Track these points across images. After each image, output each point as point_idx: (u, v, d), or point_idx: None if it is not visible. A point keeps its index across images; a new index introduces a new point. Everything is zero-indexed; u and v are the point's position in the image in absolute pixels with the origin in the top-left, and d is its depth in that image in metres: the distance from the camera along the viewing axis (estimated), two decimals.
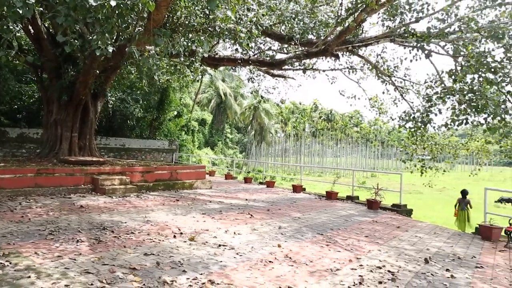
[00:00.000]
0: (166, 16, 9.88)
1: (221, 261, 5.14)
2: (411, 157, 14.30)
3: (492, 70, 8.74)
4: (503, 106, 8.65)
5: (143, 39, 7.99)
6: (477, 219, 9.93)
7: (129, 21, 8.78)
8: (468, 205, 10.80)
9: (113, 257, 4.96)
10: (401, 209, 11.11)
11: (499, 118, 8.52)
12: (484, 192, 8.90)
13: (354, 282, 4.68)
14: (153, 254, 5.21)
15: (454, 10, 11.00)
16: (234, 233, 6.94)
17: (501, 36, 8.92)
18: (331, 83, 15.31)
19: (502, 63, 8.89)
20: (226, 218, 8.32)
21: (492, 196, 26.09)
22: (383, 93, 13.30)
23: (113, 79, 15.48)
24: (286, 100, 18.28)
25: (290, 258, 5.57)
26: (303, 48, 12.01)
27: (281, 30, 12.69)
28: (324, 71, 14.70)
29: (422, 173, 13.67)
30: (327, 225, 8.34)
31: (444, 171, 14.59)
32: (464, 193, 11.02)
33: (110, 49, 6.38)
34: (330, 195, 13.15)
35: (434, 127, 10.50)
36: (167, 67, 14.49)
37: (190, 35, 10.62)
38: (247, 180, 17.85)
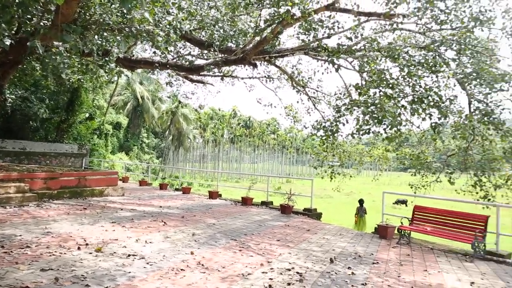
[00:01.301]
0: (77, 11, 9.23)
1: (129, 272, 4.92)
2: (322, 163, 15.24)
3: (390, 86, 9.74)
4: (398, 118, 9.69)
5: (50, 33, 7.35)
6: (378, 219, 10.94)
7: (33, 12, 8.03)
8: (365, 212, 12.21)
9: (0, 276, 4.44)
10: (311, 213, 11.74)
11: (395, 129, 9.51)
12: (382, 196, 9.85)
13: (264, 285, 4.83)
14: (51, 269, 4.78)
15: (360, 30, 12.06)
16: (146, 241, 6.69)
17: (396, 56, 10.01)
18: (249, 90, 15.67)
19: (398, 80, 9.96)
20: (138, 227, 7.99)
21: (391, 199, 28.94)
22: (298, 102, 14.15)
23: (12, 74, 13.93)
24: (205, 105, 18.24)
25: (202, 265, 5.54)
26: (222, 55, 12.13)
27: (201, 36, 12.67)
28: (242, 78, 15.00)
29: (331, 178, 14.62)
30: (241, 231, 8.48)
31: (351, 176, 15.83)
32: (361, 202, 12.68)
33: (8, 41, 5.76)
34: (246, 201, 13.39)
35: (341, 136, 11.33)
36: (79, 66, 13.50)
37: (105, 34, 10.06)
38: (162, 187, 17.35)
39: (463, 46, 10.29)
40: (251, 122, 68.83)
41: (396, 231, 8.66)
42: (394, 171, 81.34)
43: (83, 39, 9.06)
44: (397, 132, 9.58)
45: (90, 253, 5.68)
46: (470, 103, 10.93)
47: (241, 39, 11.79)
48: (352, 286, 5.07)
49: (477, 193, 10.94)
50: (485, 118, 10.46)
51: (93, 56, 9.62)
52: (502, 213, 7.88)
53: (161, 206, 11.40)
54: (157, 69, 13.14)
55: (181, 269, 5.24)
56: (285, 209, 11.79)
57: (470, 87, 10.81)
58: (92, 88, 24.88)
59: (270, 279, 5.12)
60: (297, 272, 5.50)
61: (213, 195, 14.81)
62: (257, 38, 11.80)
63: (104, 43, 9.62)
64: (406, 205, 25.91)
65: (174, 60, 13.30)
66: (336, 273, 5.62)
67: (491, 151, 11.29)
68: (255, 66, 11.74)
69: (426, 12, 10.57)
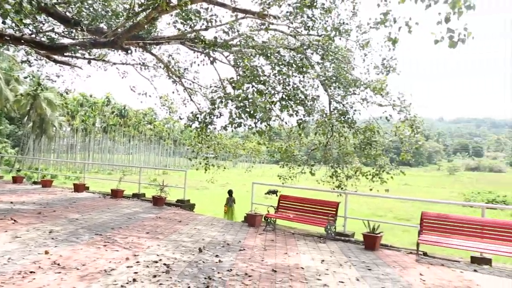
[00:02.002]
0: None
1: None
2: (197, 155, 15.31)
3: (262, 82, 10.29)
4: (269, 114, 10.32)
5: None
6: (247, 208, 11.53)
7: None
8: (234, 202, 12.80)
9: None
10: (184, 204, 11.73)
11: (265, 123, 10.10)
12: (252, 186, 10.40)
13: (128, 280, 4.64)
14: None
15: (237, 26, 12.41)
16: None
17: (269, 55, 10.62)
18: (122, 77, 14.71)
19: (269, 78, 10.59)
20: None
21: (263, 189, 30.80)
22: (173, 92, 13.76)
23: None
24: (73, 90, 16.44)
25: (58, 264, 5.04)
26: (91, 36, 11.10)
27: (67, 12, 11.35)
28: (114, 64, 14.00)
29: (206, 170, 14.81)
30: (108, 225, 7.98)
31: (225, 168, 16.25)
32: (230, 192, 13.50)
33: None
34: (116, 193, 12.64)
35: (215, 128, 11.55)
36: None
37: None
38: (16, 180, 15.17)
39: (326, 52, 11.43)
40: (126, 111, 64.91)
41: (263, 219, 9.25)
42: (267, 164, 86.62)
43: None
44: (267, 127, 10.21)
45: None
46: (330, 103, 12.26)
47: (114, 21, 10.98)
48: (218, 273, 5.25)
49: (333, 183, 12.38)
50: (342, 118, 11.84)
51: None
52: (350, 199, 9.11)
53: (12, 202, 9.96)
54: (8, 44, 11.33)
55: (31, 272, 4.67)
56: (157, 201, 11.51)
57: (331, 89, 12.12)
58: None
59: (135, 273, 4.95)
60: (165, 264, 5.44)
61: (79, 188, 13.57)
62: (131, 22, 11.14)
63: None
64: (277, 195, 27.93)
65: (32, 35, 11.64)
66: (204, 262, 5.73)
67: (345, 146, 12.89)
68: (127, 51, 11.09)
69: (297, 17, 11.44)
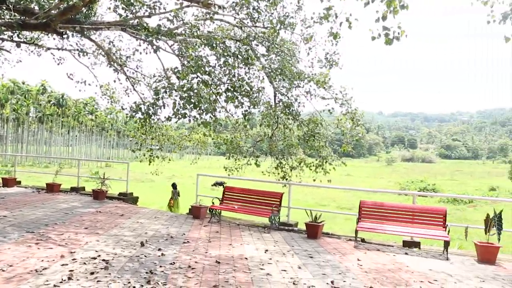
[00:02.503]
0: None
1: None
2: (140, 146, 14.82)
3: (207, 73, 10.15)
4: (214, 105, 10.22)
5: None
6: (194, 200, 11.39)
7: None
8: (178, 195, 12.86)
9: None
10: (127, 197, 11.34)
11: (210, 114, 10.00)
12: (196, 178, 10.30)
13: (62, 279, 4.39)
14: None
15: (182, 15, 12.09)
16: None
17: (215, 45, 10.49)
18: (58, 64, 13.75)
19: (215, 68, 10.48)
20: None
21: (210, 181, 30.63)
22: (115, 81, 13.14)
23: None
24: (1, 76, 15.14)
25: None
26: (20, 17, 10.23)
27: None
28: (49, 49, 13.05)
29: (150, 162, 14.38)
30: (42, 221, 7.49)
31: (170, 160, 15.88)
32: (174, 185, 13.48)
33: None
34: (52, 188, 11.88)
35: (158, 119, 11.24)
36: None
37: None
38: None
39: (271, 44, 11.52)
40: (65, 100, 60.99)
41: (208, 211, 9.20)
42: (215, 155, 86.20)
43: None
44: (213, 118, 10.13)
45: None
46: (275, 96, 12.42)
47: (46, 1, 10.22)
48: (161, 266, 5.14)
49: (278, 174, 12.60)
50: (286, 110, 12.04)
51: None
52: (296, 190, 9.34)
53: None
54: None
55: None
56: (98, 195, 11.01)
57: (276, 81, 12.25)
58: None
59: (71, 271, 4.70)
60: (103, 260, 5.22)
61: (8, 182, 12.58)
62: (65, 4, 10.41)
63: None
64: (223, 187, 27.88)
65: None
66: (146, 256, 5.59)
67: (290, 138, 13.15)
68: (62, 35, 10.39)
69: (243, 8, 11.38)
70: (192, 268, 5.15)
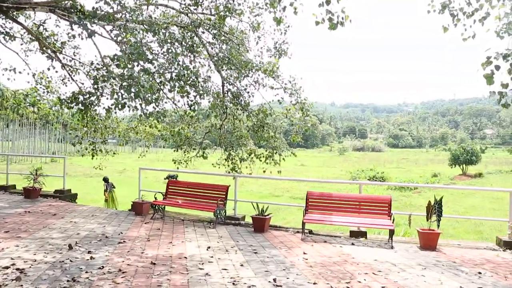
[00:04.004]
0: None
1: None
2: (82, 139, 13.87)
3: (149, 60, 9.52)
4: (158, 94, 9.64)
5: None
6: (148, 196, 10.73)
7: None
8: (113, 187, 12.72)
9: None
10: (64, 195, 10.50)
11: (154, 104, 9.42)
12: (138, 172, 9.71)
13: None
14: None
15: None
16: None
17: (157, 31, 9.86)
18: None
19: (157, 56, 9.87)
20: None
21: (161, 175, 29.66)
22: (49, 69, 12.05)
23: None
24: None
25: None
26: None
27: None
28: None
29: (93, 156, 13.47)
30: None
31: (114, 153, 14.98)
32: (105, 179, 13.23)
33: None
34: None
35: (96, 110, 10.48)
36: None
37: None
38: None
39: (218, 32, 11.06)
40: (1, 91, 56.38)
41: (151, 207, 8.68)
42: (168, 148, 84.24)
43: None
44: (156, 108, 9.55)
45: None
46: (223, 85, 12.01)
47: None
48: (87, 272, 4.63)
49: (228, 165, 12.26)
50: (235, 100, 11.68)
51: None
52: (250, 181, 9.04)
53: None
54: None
55: None
56: (30, 193, 10.08)
57: (224, 70, 11.84)
58: None
59: None
60: (18, 269, 4.60)
61: None
62: None
63: None
64: (168, 181, 27.14)
65: None
66: (71, 261, 5.03)
67: (240, 129, 12.83)
68: None
69: None
70: (123, 272, 4.69)
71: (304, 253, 6.06)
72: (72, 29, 10.01)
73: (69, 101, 11.03)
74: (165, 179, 31.45)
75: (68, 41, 11.88)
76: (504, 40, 6.03)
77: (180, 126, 13.14)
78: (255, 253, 5.96)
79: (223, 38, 11.38)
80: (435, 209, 6.93)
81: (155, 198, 8.61)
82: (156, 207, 8.40)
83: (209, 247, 6.14)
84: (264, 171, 11.57)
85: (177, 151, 13.48)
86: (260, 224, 7.53)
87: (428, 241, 6.77)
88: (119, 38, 10.00)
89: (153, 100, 9.24)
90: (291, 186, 28.44)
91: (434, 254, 6.38)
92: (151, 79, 9.73)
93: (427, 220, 6.96)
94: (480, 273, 5.33)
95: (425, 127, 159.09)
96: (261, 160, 11.92)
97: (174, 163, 13.82)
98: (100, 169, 16.58)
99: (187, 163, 13.79)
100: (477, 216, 15.36)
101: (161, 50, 10.22)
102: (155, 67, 9.79)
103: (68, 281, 4.29)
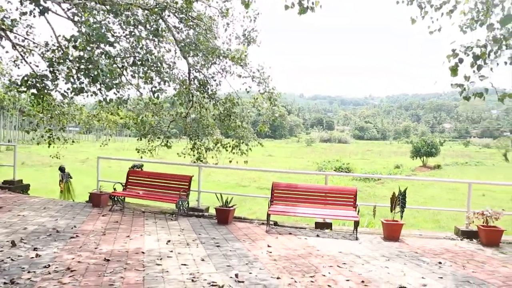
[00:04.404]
0: None
1: None
2: (37, 126, 13.05)
3: (110, 43, 8.94)
4: (119, 79, 9.09)
5: None
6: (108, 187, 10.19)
7: None
8: (69, 177, 12.10)
9: None
10: (14, 186, 9.79)
11: (114, 90, 8.88)
12: (97, 161, 9.18)
13: None
14: None
15: None
16: None
17: (119, 12, 9.27)
18: None
19: (120, 39, 9.30)
20: None
21: (124, 165, 28.74)
22: None
23: None
24: None
25: None
26: None
27: None
28: None
29: (49, 144, 12.70)
30: None
31: (73, 141, 14.19)
32: (61, 169, 12.48)
33: None
34: None
35: (53, 96, 9.80)
36: None
37: None
38: None
39: (185, 16, 10.59)
40: None
41: (109, 198, 8.22)
42: (135, 137, 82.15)
43: None
44: (116, 94, 9.03)
45: None
46: (190, 72, 11.58)
47: None
48: (29, 272, 4.21)
49: (194, 155, 11.89)
50: (202, 88, 11.29)
51: None
52: (216, 171, 8.75)
53: None
54: None
55: None
56: None
57: (190, 56, 11.40)
58: None
59: None
60: None
61: None
62: None
63: None
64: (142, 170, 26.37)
65: None
66: (12, 260, 4.58)
67: (206, 118, 12.46)
68: None
69: None
70: (72, 271, 4.31)
71: (269, 246, 5.89)
72: (22, 4, 9.22)
73: (20, 84, 10.26)
74: (130, 168, 30.56)
75: (20, 18, 11.01)
76: (467, 35, 6.05)
77: (144, 114, 12.61)
78: (218, 246, 5.72)
79: (190, 23, 10.94)
80: (399, 200, 6.96)
81: (114, 189, 8.15)
82: (115, 199, 7.95)
83: (169, 241, 5.83)
84: (231, 161, 11.32)
85: (141, 140, 12.95)
86: (223, 216, 7.29)
87: (392, 232, 6.79)
88: (77, 18, 9.34)
89: (114, 86, 8.70)
90: (258, 176, 28.38)
91: (397, 245, 6.40)
92: (112, 63, 9.19)
93: (391, 211, 6.98)
94: (440, 263, 5.38)
95: (389, 120, 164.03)
96: (227, 150, 11.66)
97: (138, 152, 13.28)
98: (57, 158, 15.72)
99: (151, 153, 13.27)
100: (436, 206, 15.96)
101: (123, 32, 9.66)
102: (116, 51, 9.24)
103: (5, 283, 3.86)
